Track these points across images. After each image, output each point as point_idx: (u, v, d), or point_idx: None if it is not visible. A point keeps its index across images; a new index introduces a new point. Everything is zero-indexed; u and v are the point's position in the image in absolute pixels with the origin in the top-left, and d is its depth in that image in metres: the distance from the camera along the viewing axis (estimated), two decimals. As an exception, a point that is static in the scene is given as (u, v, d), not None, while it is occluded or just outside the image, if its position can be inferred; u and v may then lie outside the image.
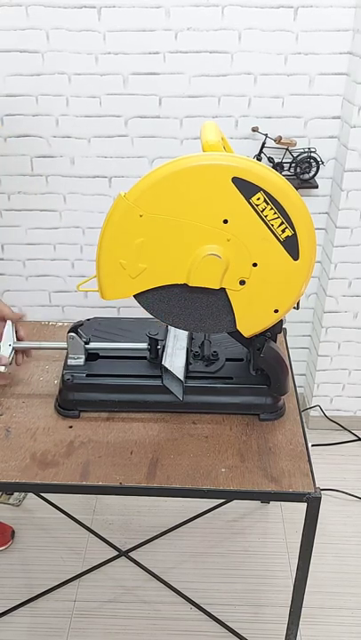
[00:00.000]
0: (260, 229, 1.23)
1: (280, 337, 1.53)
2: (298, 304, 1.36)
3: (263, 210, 1.21)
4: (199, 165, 1.20)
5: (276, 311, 1.31)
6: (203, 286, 1.27)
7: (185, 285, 1.28)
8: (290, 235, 1.23)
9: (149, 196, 1.22)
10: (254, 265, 1.26)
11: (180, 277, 1.28)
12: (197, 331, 1.38)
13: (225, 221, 1.22)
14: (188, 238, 1.24)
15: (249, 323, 1.33)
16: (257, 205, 1.21)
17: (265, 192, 1.20)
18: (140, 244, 1.25)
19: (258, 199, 1.21)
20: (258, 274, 1.27)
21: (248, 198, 1.21)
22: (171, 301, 1.32)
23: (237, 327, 1.33)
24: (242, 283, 1.28)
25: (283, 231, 1.23)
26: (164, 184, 1.21)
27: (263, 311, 1.32)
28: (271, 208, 1.21)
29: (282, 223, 1.22)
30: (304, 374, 2.85)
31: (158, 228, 1.24)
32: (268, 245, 1.24)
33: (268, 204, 1.21)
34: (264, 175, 1.20)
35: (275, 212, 1.22)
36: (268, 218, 1.22)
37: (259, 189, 1.20)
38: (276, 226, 1.23)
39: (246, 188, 1.20)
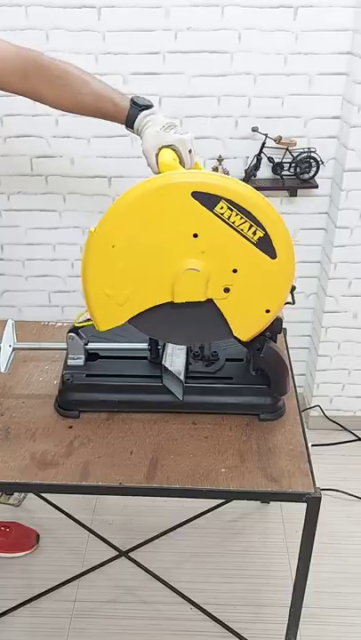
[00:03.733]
0: (232, 236, 1.24)
1: (280, 337, 1.53)
2: (293, 298, 1.37)
3: (229, 217, 1.22)
4: (158, 187, 1.22)
5: (267, 311, 1.32)
6: (189, 301, 1.28)
7: (173, 302, 1.29)
8: (262, 235, 1.24)
9: (117, 226, 1.24)
10: (234, 271, 1.27)
11: (166, 296, 1.29)
12: (198, 343, 1.38)
13: (195, 235, 1.24)
14: (164, 258, 1.25)
15: (244, 327, 1.34)
16: (222, 214, 1.22)
17: (226, 200, 1.21)
18: (119, 272, 1.27)
19: (221, 208, 1.22)
20: (240, 279, 1.28)
21: (212, 209, 1.22)
22: (164, 320, 1.33)
23: (234, 333, 1.34)
24: (226, 290, 1.29)
25: (254, 233, 1.24)
26: (129, 212, 1.23)
27: (255, 314, 1.32)
28: (237, 214, 1.22)
29: (251, 226, 1.23)
30: (304, 374, 2.85)
31: (133, 254, 1.26)
32: (243, 250, 1.25)
33: (232, 210, 1.22)
34: (222, 184, 1.22)
35: (241, 217, 1.22)
36: (236, 224, 1.23)
37: (220, 199, 1.21)
38: (245, 230, 1.23)
39: (207, 199, 1.21)
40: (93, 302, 1.32)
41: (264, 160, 2.32)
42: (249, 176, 2.33)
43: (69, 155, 2.37)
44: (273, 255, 1.25)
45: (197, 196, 1.20)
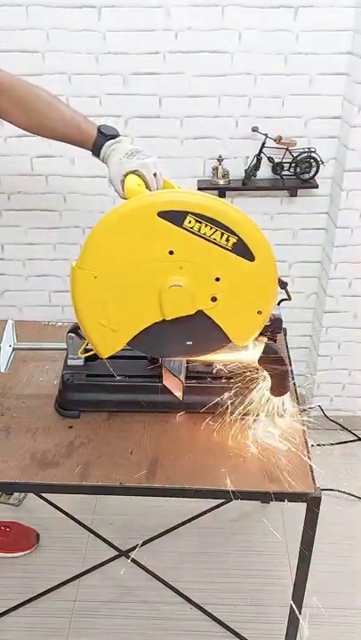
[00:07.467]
0: (206, 247, 1.25)
1: (280, 337, 1.53)
2: (288, 294, 1.37)
3: (199, 229, 1.24)
4: (125, 214, 1.25)
5: (259, 312, 1.32)
6: (180, 316, 1.29)
7: (165, 320, 1.30)
8: (235, 241, 1.25)
9: (94, 257, 1.27)
10: (217, 280, 1.28)
11: (156, 315, 1.30)
12: (199, 354, 1.39)
13: (171, 252, 1.25)
14: (146, 279, 1.27)
15: (240, 332, 1.34)
16: (192, 228, 1.23)
17: (192, 214, 1.22)
18: (108, 301, 1.29)
19: (190, 222, 1.23)
20: (225, 286, 1.28)
21: (181, 225, 1.23)
22: (161, 338, 1.34)
23: (232, 339, 1.34)
24: (214, 299, 1.30)
25: (227, 240, 1.24)
26: (102, 242, 1.26)
27: (248, 317, 1.33)
28: (206, 225, 1.23)
29: (223, 234, 1.24)
30: (304, 374, 2.85)
31: (116, 281, 1.28)
32: (220, 258, 1.26)
33: (200, 222, 1.23)
34: (184, 200, 1.24)
35: (211, 227, 1.23)
36: (208, 234, 1.24)
37: (186, 213, 1.22)
38: (218, 238, 1.24)
39: (174, 216, 1.23)
40: (90, 333, 1.34)
41: (264, 160, 2.32)
42: (249, 176, 2.33)
43: (69, 155, 2.37)
44: (251, 257, 1.26)
45: (163, 215, 1.23)
